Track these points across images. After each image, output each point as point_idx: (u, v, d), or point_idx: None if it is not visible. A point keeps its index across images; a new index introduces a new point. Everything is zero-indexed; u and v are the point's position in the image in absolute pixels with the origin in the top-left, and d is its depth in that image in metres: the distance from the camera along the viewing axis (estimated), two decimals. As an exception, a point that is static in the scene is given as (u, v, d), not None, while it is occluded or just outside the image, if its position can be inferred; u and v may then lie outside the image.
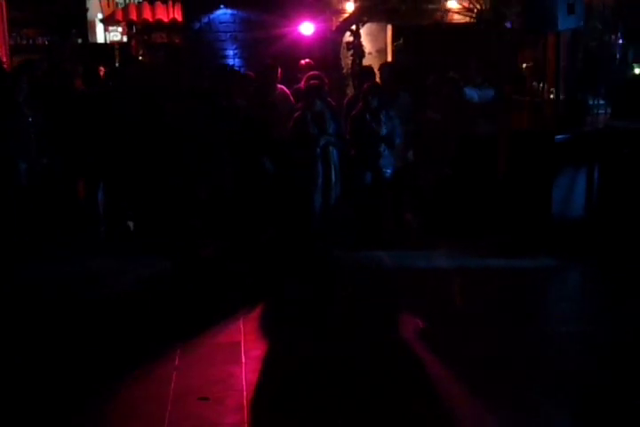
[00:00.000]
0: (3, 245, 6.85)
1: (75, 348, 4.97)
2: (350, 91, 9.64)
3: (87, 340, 5.11)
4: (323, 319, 5.50)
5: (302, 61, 8.42)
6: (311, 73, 7.67)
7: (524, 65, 8.85)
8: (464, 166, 7.34)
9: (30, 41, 12.78)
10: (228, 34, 11.03)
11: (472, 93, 7.79)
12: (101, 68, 8.59)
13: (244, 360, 4.77)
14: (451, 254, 6.95)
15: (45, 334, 5.23)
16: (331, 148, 7.27)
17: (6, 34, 11.68)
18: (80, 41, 13.01)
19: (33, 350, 4.95)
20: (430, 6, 10.06)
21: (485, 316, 5.49)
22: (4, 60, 11.07)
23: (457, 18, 10.33)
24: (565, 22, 6.72)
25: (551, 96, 7.43)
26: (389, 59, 10.78)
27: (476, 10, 9.97)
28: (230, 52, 11.07)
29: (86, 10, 13.39)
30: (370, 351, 4.89)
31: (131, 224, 7.79)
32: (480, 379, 4.39)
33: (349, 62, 10.51)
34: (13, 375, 4.57)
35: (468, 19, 10.18)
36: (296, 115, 7.33)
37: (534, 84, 8.10)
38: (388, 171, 7.26)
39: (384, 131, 7.19)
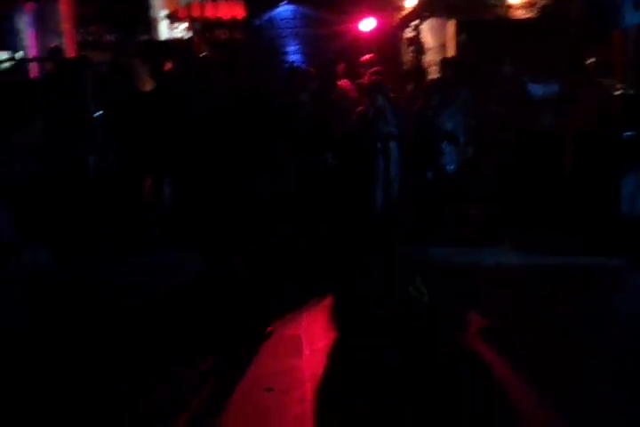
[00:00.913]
0: (71, 238, 7.02)
1: (141, 339, 5.08)
2: (410, 87, 9.63)
3: (153, 332, 5.21)
4: (384, 314, 5.50)
5: (364, 57, 8.43)
6: (374, 69, 7.69)
7: (589, 60, 8.70)
8: (528, 161, 7.24)
9: (97, 38, 13.03)
10: (290, 30, 11.16)
11: (536, 88, 7.70)
12: (167, 65, 8.71)
13: (305, 353, 4.82)
14: (516, 251, 6.85)
15: (112, 326, 5.36)
16: (392, 143, 7.27)
17: (74, 31, 11.95)
18: (145, 38, 13.25)
19: (110, 339, 5.09)
20: (492, 1, 9.96)
21: (554, 314, 5.38)
22: (73, 55, 11.35)
23: (519, 13, 10.21)
24: (632, 17, 6.60)
25: (618, 92, 7.30)
26: (451, 54, 10.71)
27: (538, 5, 9.87)
28: (291, 48, 11.19)
29: (150, 7, 13.61)
30: (434, 347, 4.88)
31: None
32: (556, 380, 4.34)
33: (410, 58, 10.50)
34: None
35: (530, 13, 10.08)
36: (358, 110, 7.36)
37: (600, 79, 7.96)
38: (451, 167, 7.22)
39: (447, 128, 7.16)
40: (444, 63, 8.21)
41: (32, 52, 11.71)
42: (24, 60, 10.54)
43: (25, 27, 11.92)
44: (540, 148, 7.25)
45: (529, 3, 9.93)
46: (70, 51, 11.44)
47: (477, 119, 7.50)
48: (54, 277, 6.41)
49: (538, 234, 7.06)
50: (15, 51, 11.26)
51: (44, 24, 11.75)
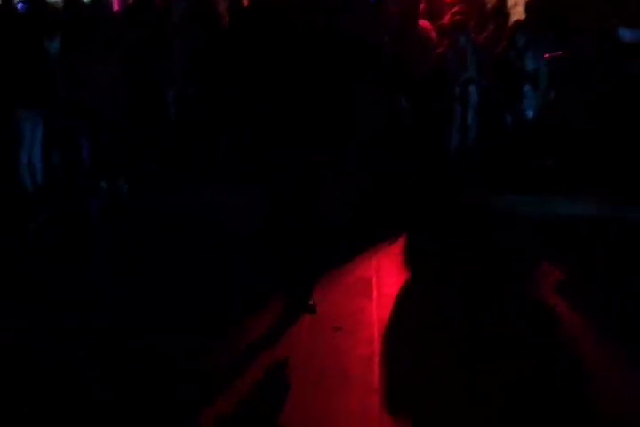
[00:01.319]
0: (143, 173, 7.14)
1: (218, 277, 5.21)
2: (492, 27, 9.30)
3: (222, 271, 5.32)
4: (452, 259, 5.48)
5: (448, -4, 8.17)
6: (456, 8, 7.45)
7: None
8: (615, 109, 6.94)
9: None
10: (373, -33, 10.82)
11: (625, 33, 7.35)
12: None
13: (375, 295, 4.86)
14: (594, 202, 6.59)
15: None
16: (471, 87, 7.10)
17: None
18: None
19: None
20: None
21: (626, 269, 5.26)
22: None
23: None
24: None
25: None
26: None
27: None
28: (374, -13, 10.88)
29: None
30: (506, 292, 4.87)
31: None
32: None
33: (493, -1, 10.11)
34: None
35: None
36: (438, 52, 7.18)
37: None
38: (530, 113, 7.02)
39: (529, 71, 6.93)
40: (531, 4, 7.85)
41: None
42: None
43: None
44: (629, 93, 6.90)
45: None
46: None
47: (562, 64, 7.20)
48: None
49: (620, 187, 6.72)
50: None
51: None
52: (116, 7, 10.32)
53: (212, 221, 6.22)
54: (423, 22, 7.77)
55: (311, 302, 4.64)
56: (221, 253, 5.52)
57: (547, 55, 7.14)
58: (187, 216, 6.36)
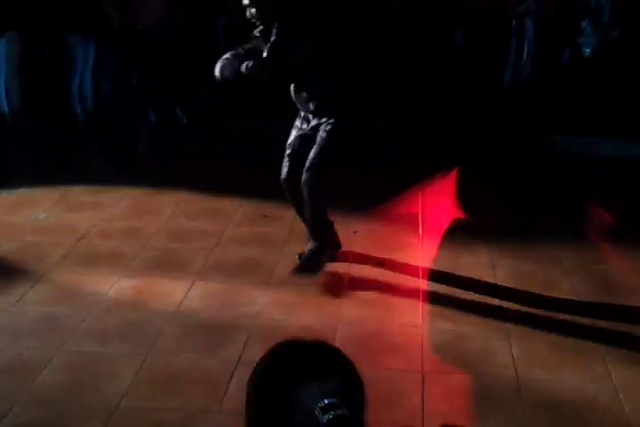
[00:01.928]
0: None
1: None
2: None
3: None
4: (507, 195, 5.47)
5: None
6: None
7: None
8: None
9: None
10: None
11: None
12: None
13: (421, 231, 4.87)
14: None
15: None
16: (527, 20, 6.89)
17: None
18: None
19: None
20: None
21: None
22: None
23: None
24: None
25: None
26: None
27: None
28: None
29: None
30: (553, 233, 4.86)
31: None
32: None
33: None
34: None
35: None
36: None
37: None
38: (587, 50, 6.80)
39: (591, 5, 6.69)
40: None
41: None
42: None
43: None
44: None
45: None
46: None
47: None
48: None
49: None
50: None
51: None
52: None
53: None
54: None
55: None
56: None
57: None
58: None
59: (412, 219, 5.07)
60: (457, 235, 4.75)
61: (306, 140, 4.17)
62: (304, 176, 4.08)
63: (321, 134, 4.10)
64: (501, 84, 6.93)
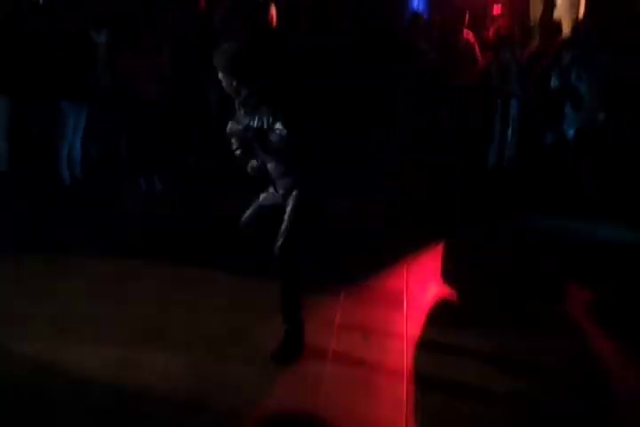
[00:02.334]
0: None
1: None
2: (536, 43, 9.27)
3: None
4: (485, 278, 5.44)
5: (492, 9, 8.16)
6: (502, 22, 7.44)
7: None
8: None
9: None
10: (417, -22, 10.86)
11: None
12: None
13: (405, 308, 4.85)
14: (631, 228, 6.50)
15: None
16: (512, 101, 7.07)
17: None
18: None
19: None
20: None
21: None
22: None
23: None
24: None
25: None
26: (583, 11, 10.23)
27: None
28: (417, -4, 10.92)
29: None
30: (528, 314, 4.85)
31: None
32: None
33: (538, 13, 10.08)
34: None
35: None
36: (481, 64, 7.17)
37: None
38: (571, 132, 6.96)
39: (574, 90, 6.87)
40: (580, 21, 7.80)
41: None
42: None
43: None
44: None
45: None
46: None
47: (615, 84, 7.10)
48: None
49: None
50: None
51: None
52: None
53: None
54: (467, 33, 7.78)
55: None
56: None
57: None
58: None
59: (397, 294, 5.05)
60: (442, 312, 4.75)
61: (277, 205, 4.17)
62: (275, 247, 4.02)
63: (290, 204, 4.07)
64: (486, 164, 7.03)
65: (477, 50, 7.70)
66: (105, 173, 7.15)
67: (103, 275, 5.21)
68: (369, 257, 5.64)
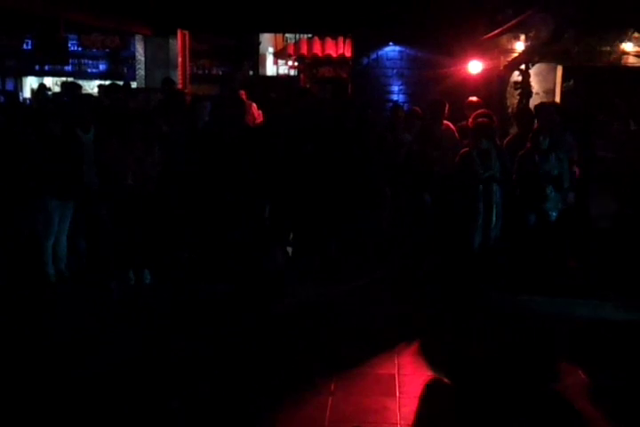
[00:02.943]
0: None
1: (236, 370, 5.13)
2: (513, 130, 9.50)
3: (249, 361, 5.25)
4: (476, 361, 5.38)
5: (470, 99, 8.39)
6: (480, 111, 7.63)
7: None
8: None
9: (206, 71, 13.50)
10: (395, 70, 11.23)
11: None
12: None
13: (398, 394, 4.75)
14: (616, 306, 6.54)
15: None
16: (494, 186, 7.16)
17: (188, 64, 12.42)
18: (251, 73, 13.64)
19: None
20: (604, 48, 9.82)
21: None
22: (184, 87, 11.79)
23: (632, 61, 10.02)
24: None
25: None
26: (557, 99, 10.57)
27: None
28: (395, 88, 11.25)
29: (259, 43, 14.04)
30: (522, 398, 4.75)
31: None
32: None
33: (515, 102, 10.39)
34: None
35: (644, 61, 9.90)
36: (462, 151, 7.31)
37: None
38: (554, 214, 7.05)
39: (553, 172, 7.01)
40: (546, 108, 8.02)
41: (146, 82, 12.23)
42: (139, 90, 10.98)
43: (141, 58, 12.49)
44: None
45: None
46: (182, 83, 11.87)
47: (582, 165, 7.29)
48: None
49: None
50: (131, 81, 11.79)
51: (159, 56, 12.28)
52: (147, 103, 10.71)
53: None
54: (446, 123, 7.97)
55: None
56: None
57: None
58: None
59: (389, 380, 4.95)
60: (436, 398, 4.66)
61: None
62: None
63: None
64: (472, 245, 7.06)
65: (457, 138, 7.86)
66: (92, 267, 7.10)
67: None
68: (359, 342, 5.58)
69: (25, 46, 13.19)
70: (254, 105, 9.20)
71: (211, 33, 12.93)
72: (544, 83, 10.63)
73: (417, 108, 8.36)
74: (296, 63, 14.11)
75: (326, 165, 7.52)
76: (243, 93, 8.65)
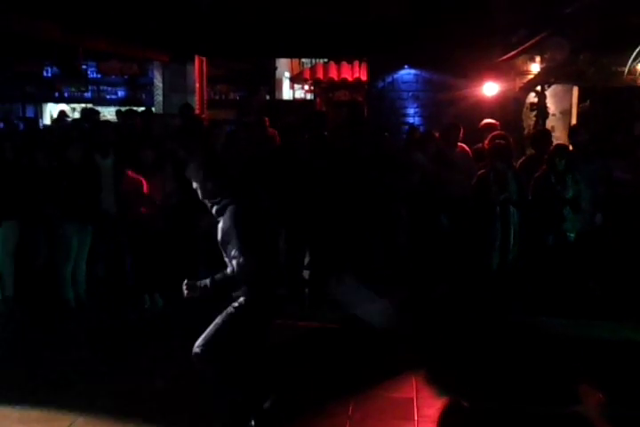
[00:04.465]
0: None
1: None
2: (530, 152, 9.50)
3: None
4: (494, 382, 5.34)
5: (485, 121, 8.41)
6: (497, 133, 7.65)
7: None
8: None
9: (223, 96, 13.64)
10: (410, 93, 11.30)
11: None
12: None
13: (416, 418, 4.72)
14: (634, 328, 6.50)
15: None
16: (511, 208, 7.16)
17: (205, 89, 12.54)
18: (268, 97, 13.76)
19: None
20: (620, 69, 9.81)
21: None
22: (202, 112, 11.90)
23: (648, 81, 10.01)
24: None
25: None
26: (574, 121, 10.57)
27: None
28: (411, 111, 11.31)
29: (275, 68, 14.18)
30: (542, 422, 4.71)
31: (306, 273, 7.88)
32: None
33: (531, 123, 10.40)
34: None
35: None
36: (479, 173, 7.31)
37: None
38: (572, 235, 7.02)
39: (569, 194, 7.00)
40: (577, 130, 8.04)
41: (164, 108, 12.36)
42: (157, 116, 11.09)
43: (159, 84, 12.63)
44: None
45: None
46: (199, 108, 11.98)
47: (606, 187, 7.24)
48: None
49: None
50: (149, 106, 11.92)
51: (176, 82, 12.40)
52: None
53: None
54: (461, 146, 7.98)
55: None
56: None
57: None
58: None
59: (407, 404, 4.92)
60: (454, 422, 4.62)
61: None
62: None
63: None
64: (490, 267, 7.04)
65: (472, 160, 7.87)
66: (110, 293, 7.14)
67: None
68: (377, 365, 5.56)
69: (45, 73, 13.40)
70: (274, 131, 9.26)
71: (227, 58, 13.06)
72: (560, 104, 10.63)
73: (432, 131, 8.38)
74: (312, 87, 14.22)
75: (342, 189, 7.53)
76: (267, 120, 8.70)
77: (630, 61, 9.58)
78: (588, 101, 10.66)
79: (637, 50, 9.47)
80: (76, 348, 6.07)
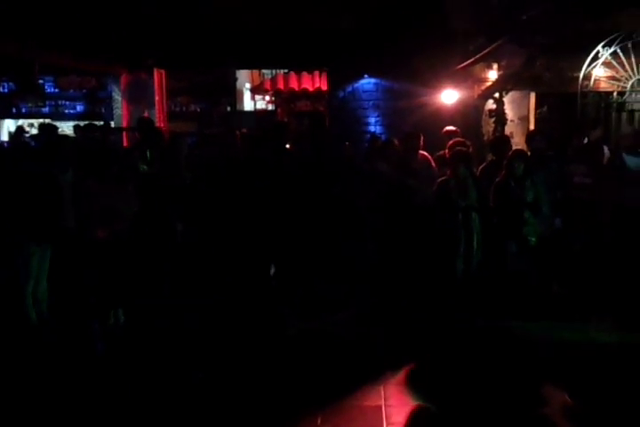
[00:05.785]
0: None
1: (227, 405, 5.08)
2: (490, 158, 9.60)
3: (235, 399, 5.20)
4: (463, 389, 5.35)
5: (447, 128, 8.49)
6: (456, 140, 7.72)
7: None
8: (618, 236, 7.04)
9: (183, 108, 13.57)
10: (371, 102, 11.38)
11: (630, 159, 7.54)
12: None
13: (385, 425, 4.71)
14: (598, 329, 6.54)
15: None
16: (473, 214, 7.23)
17: (165, 102, 12.50)
18: (229, 108, 13.74)
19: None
20: (575, 74, 9.96)
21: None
22: (162, 125, 11.84)
23: (604, 86, 10.17)
24: None
25: None
26: (532, 127, 10.71)
27: (624, 78, 9.84)
28: (372, 120, 11.38)
29: (236, 79, 14.16)
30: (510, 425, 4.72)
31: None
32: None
33: (490, 130, 10.51)
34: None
35: (615, 87, 10.04)
36: (439, 180, 7.37)
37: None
38: (533, 239, 7.10)
39: (529, 198, 7.08)
40: (534, 135, 8.17)
41: (124, 121, 12.28)
42: (117, 129, 11.02)
43: (117, 97, 12.55)
44: (632, 222, 7.01)
45: (613, 76, 9.92)
46: (160, 120, 11.93)
47: (564, 191, 7.36)
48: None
49: (625, 314, 6.72)
50: (108, 120, 11.83)
51: (136, 95, 12.34)
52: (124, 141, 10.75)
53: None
54: (422, 154, 8.03)
55: None
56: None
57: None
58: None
59: (376, 412, 4.91)
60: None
61: None
62: None
63: None
64: (454, 273, 7.09)
65: (434, 167, 7.93)
66: (72, 309, 7.03)
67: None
68: (344, 373, 5.54)
69: (1, 89, 13.23)
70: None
71: (186, 71, 13.02)
72: (518, 110, 10.77)
73: (393, 140, 8.42)
74: (273, 98, 14.24)
75: (306, 200, 7.54)
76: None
77: (585, 66, 9.74)
78: (545, 107, 10.83)
79: (592, 55, 9.64)
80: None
